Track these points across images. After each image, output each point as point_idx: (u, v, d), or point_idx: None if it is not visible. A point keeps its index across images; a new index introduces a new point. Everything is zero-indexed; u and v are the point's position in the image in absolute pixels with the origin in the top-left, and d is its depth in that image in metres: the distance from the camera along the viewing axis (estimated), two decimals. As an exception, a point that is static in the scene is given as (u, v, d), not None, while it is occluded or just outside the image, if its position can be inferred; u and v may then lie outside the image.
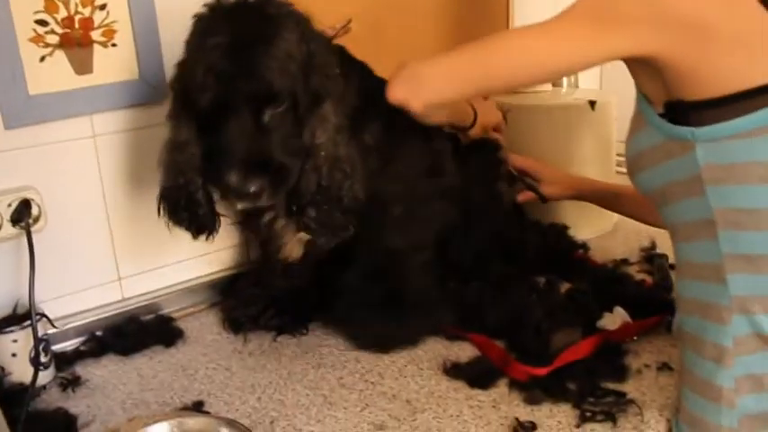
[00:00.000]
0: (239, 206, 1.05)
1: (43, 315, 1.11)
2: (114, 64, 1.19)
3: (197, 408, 1.02)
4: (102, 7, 1.15)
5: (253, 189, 0.98)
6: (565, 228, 1.48)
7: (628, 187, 1.20)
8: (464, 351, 1.14)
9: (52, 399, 1.07)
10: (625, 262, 1.42)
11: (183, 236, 1.14)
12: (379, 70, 1.17)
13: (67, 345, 1.20)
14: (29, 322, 1.06)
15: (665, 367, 1.06)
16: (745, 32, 0.82)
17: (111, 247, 1.25)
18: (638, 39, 0.83)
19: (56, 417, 1.00)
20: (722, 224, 0.84)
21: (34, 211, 1.12)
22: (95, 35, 1.16)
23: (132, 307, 1.27)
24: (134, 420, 0.99)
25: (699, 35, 0.81)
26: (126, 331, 1.22)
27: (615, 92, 1.58)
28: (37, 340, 1.06)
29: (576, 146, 1.51)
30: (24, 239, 1.09)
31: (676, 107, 0.86)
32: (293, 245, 1.19)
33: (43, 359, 1.08)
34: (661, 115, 0.88)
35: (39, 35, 1.11)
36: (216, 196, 1.10)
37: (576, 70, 1.32)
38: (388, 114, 1.06)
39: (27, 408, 0.98)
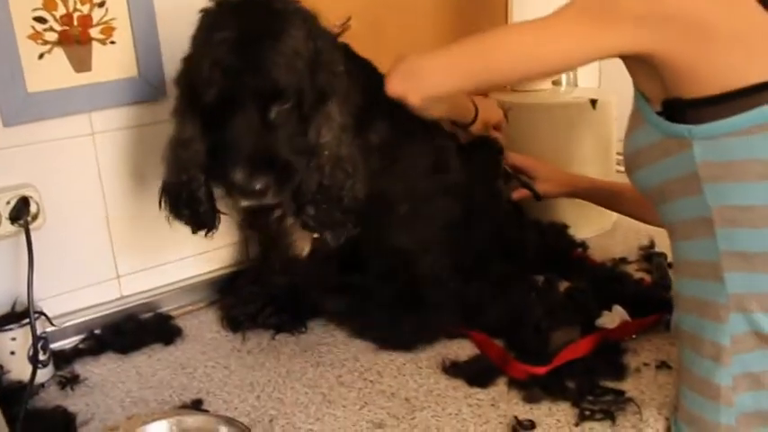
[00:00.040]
0: (244, 203, 1.04)
1: (42, 313, 1.11)
2: (113, 61, 1.18)
3: (196, 406, 1.02)
4: (101, 4, 1.15)
5: (258, 187, 0.97)
6: (564, 227, 1.48)
7: (626, 185, 1.20)
8: (463, 350, 1.14)
9: (51, 397, 1.07)
10: (624, 261, 1.42)
11: (182, 234, 1.14)
12: (379, 68, 1.17)
13: (66, 343, 1.19)
14: (27, 320, 1.06)
15: (663, 366, 1.07)
16: (744, 31, 0.82)
17: (110, 244, 1.25)
18: (637, 36, 0.83)
19: (54, 415, 1.00)
20: (719, 222, 0.84)
21: (33, 208, 1.12)
22: (94, 32, 1.16)
23: (131, 305, 1.26)
24: (133, 418, 0.99)
25: (698, 33, 0.81)
26: (125, 329, 1.22)
27: (614, 90, 1.57)
28: (35, 338, 1.06)
29: (576, 145, 1.51)
30: (23, 237, 1.09)
31: (674, 105, 0.86)
32: (302, 242, 1.19)
33: (42, 357, 1.08)
34: (659, 113, 0.88)
35: (37, 32, 1.11)
36: (217, 194, 1.10)
37: (574, 66, 1.32)
38: (393, 112, 1.06)
39: (26, 406, 0.97)
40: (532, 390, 1.01)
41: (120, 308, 1.25)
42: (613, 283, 1.29)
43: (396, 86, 1.01)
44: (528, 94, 1.59)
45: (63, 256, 1.19)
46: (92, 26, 1.16)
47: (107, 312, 1.24)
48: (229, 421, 0.92)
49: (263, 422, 0.98)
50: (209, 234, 1.13)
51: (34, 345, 1.06)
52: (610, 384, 1.02)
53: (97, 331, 1.22)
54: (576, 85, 1.68)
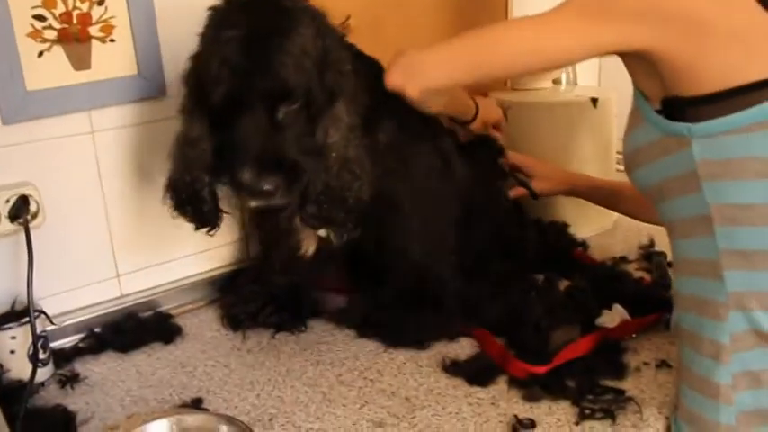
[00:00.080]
0: (252, 204, 1.04)
1: (42, 312, 1.11)
2: (112, 60, 1.18)
3: (196, 405, 1.02)
4: (101, 3, 1.15)
5: (267, 187, 0.97)
6: (565, 226, 1.48)
7: (625, 184, 1.20)
8: (463, 348, 1.14)
9: (51, 396, 1.07)
10: (624, 260, 1.42)
11: (182, 232, 1.14)
12: (385, 67, 1.17)
13: (66, 341, 1.19)
14: (27, 319, 1.06)
15: (663, 364, 1.06)
16: (742, 28, 0.82)
17: (110, 243, 1.25)
18: (636, 32, 0.84)
19: (54, 414, 1.00)
20: (718, 220, 0.84)
21: (32, 207, 1.12)
22: (93, 31, 1.16)
23: (131, 304, 1.26)
24: (133, 417, 0.99)
25: (696, 30, 0.82)
26: (124, 328, 1.22)
27: (614, 89, 1.58)
28: (35, 337, 1.05)
29: (576, 143, 1.51)
30: (23, 236, 1.09)
31: (673, 103, 0.86)
32: (308, 242, 1.19)
33: (42, 356, 1.07)
34: (658, 112, 0.88)
35: (36, 30, 1.11)
36: (221, 193, 1.10)
37: (574, 61, 1.32)
38: (401, 112, 1.06)
39: (25, 404, 0.97)
40: (532, 388, 1.01)
41: (119, 306, 1.25)
42: (613, 282, 1.29)
43: (395, 79, 1.01)
44: (528, 92, 1.59)
45: (63, 255, 1.19)
46: (91, 24, 1.15)
47: (107, 311, 1.24)
48: (229, 420, 0.92)
49: (263, 421, 0.98)
50: (212, 232, 1.13)
51: (34, 343, 1.06)
52: (610, 383, 1.01)
53: (97, 330, 1.22)
54: (576, 84, 1.68)
